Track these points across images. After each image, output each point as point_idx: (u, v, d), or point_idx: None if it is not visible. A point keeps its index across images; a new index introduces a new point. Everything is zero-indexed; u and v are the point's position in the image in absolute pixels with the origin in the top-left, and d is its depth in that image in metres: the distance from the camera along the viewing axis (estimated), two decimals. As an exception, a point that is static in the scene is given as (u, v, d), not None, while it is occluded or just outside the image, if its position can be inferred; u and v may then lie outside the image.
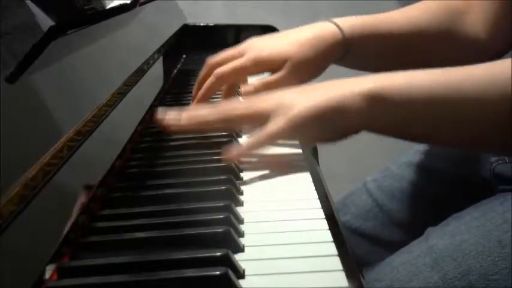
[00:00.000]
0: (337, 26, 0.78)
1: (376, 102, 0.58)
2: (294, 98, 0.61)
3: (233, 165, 0.64)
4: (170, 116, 0.67)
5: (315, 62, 0.77)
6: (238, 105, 0.65)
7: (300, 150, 0.70)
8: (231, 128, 0.72)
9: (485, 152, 0.77)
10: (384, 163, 0.95)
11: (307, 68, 0.77)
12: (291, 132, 0.60)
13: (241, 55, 0.79)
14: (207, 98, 0.80)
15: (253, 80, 0.80)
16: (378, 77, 0.59)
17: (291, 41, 0.78)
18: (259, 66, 0.78)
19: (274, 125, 0.60)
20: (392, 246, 0.78)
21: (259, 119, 0.62)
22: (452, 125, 0.58)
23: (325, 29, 0.78)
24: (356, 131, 0.61)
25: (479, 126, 0.56)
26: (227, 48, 0.77)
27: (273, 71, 0.78)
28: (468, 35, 0.80)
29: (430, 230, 0.71)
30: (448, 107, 0.56)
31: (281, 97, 0.62)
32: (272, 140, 0.61)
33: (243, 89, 0.79)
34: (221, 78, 0.78)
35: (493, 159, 0.77)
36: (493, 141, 0.58)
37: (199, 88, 0.82)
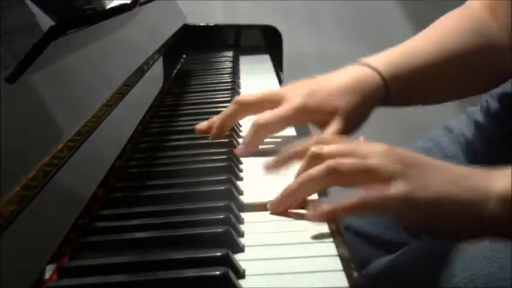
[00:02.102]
0: (373, 68, 0.74)
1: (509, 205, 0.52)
2: (423, 171, 0.53)
3: (233, 165, 0.64)
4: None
5: (362, 108, 0.72)
6: (346, 160, 0.54)
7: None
8: (337, 185, 0.56)
9: None
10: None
11: (355, 115, 0.72)
12: (418, 208, 0.52)
13: (277, 101, 0.72)
14: (253, 150, 0.71)
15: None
16: (506, 174, 0.54)
17: (333, 88, 0.72)
18: (304, 116, 0.72)
19: (398, 188, 0.51)
20: (394, 247, 0.77)
21: (374, 177, 0.53)
22: None
23: (363, 72, 0.73)
24: (482, 235, 0.55)
25: None
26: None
27: (317, 122, 0.73)
28: (497, 44, 0.79)
29: None
30: None
31: (406, 159, 0.54)
32: (388, 205, 0.52)
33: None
34: (264, 128, 0.70)
35: None
36: None
37: (222, 121, 0.74)
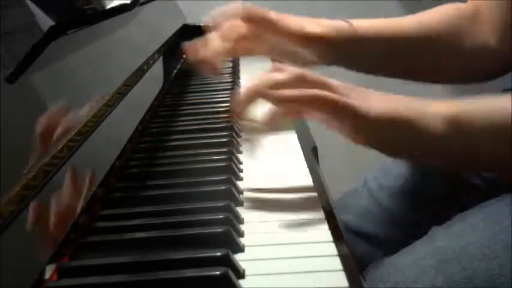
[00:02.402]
0: (346, 20, 0.80)
1: (454, 126, 0.57)
2: (373, 95, 0.59)
3: (233, 165, 0.64)
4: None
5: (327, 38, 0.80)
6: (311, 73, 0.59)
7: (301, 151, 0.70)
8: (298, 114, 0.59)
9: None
10: (383, 162, 0.95)
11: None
12: (361, 120, 0.56)
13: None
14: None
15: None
16: (451, 104, 0.59)
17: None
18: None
19: (350, 100, 0.56)
20: (393, 247, 0.77)
21: (331, 90, 0.57)
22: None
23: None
24: (420, 148, 0.59)
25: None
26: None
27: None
28: (477, 43, 0.80)
29: (434, 230, 0.70)
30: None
31: (357, 89, 0.59)
32: (339, 110, 0.56)
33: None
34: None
35: None
36: None
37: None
